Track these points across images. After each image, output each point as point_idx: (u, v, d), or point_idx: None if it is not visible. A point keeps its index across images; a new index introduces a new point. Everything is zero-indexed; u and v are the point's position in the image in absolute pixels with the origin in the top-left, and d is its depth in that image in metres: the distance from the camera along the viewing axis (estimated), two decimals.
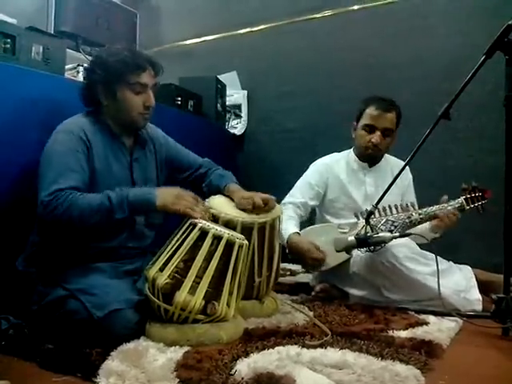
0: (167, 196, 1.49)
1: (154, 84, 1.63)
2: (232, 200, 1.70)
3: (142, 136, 1.72)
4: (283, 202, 2.18)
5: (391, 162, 2.24)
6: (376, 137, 2.08)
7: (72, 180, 1.46)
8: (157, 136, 1.81)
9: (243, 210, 1.64)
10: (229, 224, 1.55)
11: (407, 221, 1.89)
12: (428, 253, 1.89)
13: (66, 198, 1.41)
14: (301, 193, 2.21)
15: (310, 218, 2.29)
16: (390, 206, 1.90)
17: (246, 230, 1.57)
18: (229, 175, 1.84)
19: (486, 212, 1.99)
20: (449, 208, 1.94)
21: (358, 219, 1.91)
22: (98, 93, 1.60)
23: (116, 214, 1.44)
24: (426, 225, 1.99)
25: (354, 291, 1.96)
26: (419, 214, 1.92)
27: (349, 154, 2.27)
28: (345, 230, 1.98)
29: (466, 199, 1.97)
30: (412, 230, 1.90)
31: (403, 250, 1.85)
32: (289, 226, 2.03)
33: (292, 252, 2.01)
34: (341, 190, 2.20)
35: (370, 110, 2.10)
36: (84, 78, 1.67)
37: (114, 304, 1.36)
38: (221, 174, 1.82)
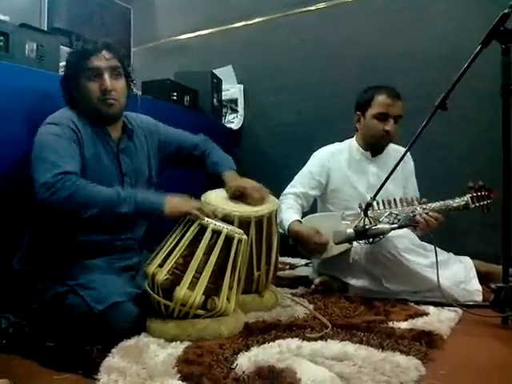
0: (175, 202, 1.48)
1: (111, 66, 1.60)
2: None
3: (129, 127, 1.71)
4: (284, 192, 2.19)
5: (395, 151, 2.21)
6: (390, 125, 2.08)
7: (71, 165, 1.45)
8: (147, 125, 1.80)
9: (236, 198, 1.66)
10: (226, 219, 1.54)
11: (411, 215, 1.88)
12: (427, 244, 1.89)
13: (72, 183, 1.39)
14: (301, 183, 2.20)
15: (311, 210, 2.28)
16: (394, 200, 1.90)
17: (244, 224, 1.57)
18: (224, 161, 1.83)
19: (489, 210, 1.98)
20: (454, 205, 1.94)
21: (361, 210, 1.91)
22: (71, 90, 1.62)
23: (121, 208, 1.42)
24: None
25: (353, 281, 1.96)
26: (423, 209, 1.91)
27: (351, 144, 2.25)
28: (347, 222, 1.98)
29: (471, 197, 1.96)
30: None
31: (403, 241, 1.86)
32: (289, 215, 2.03)
33: (294, 239, 2.01)
34: (344, 180, 2.20)
35: (382, 99, 2.09)
36: None
37: (114, 297, 1.36)
38: (214, 162, 1.81)
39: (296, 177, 2.25)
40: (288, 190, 2.20)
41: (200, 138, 1.89)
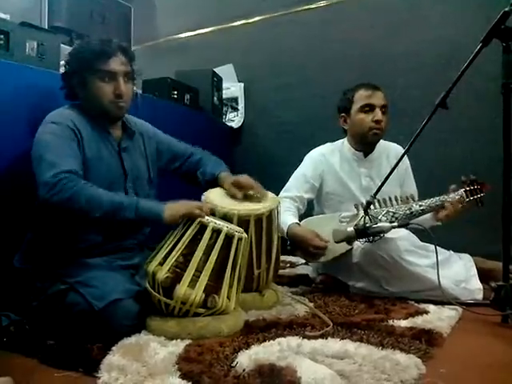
0: (174, 208, 1.47)
1: (126, 71, 1.60)
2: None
3: (130, 127, 1.71)
4: (279, 196, 2.16)
5: (386, 148, 2.21)
6: (378, 114, 2.07)
7: (71, 164, 1.43)
8: (146, 130, 1.80)
9: (234, 196, 1.66)
10: (225, 217, 1.55)
11: (408, 212, 1.88)
12: (428, 244, 1.89)
13: (74, 184, 1.38)
14: (295, 186, 2.19)
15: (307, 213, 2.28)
16: (390, 198, 1.89)
17: (243, 222, 1.57)
18: (220, 163, 1.85)
19: (484, 203, 2.01)
20: (449, 200, 1.94)
21: (358, 211, 1.90)
22: (74, 85, 1.60)
23: (124, 213, 1.42)
24: (428, 214, 1.99)
25: (353, 283, 1.96)
26: (420, 206, 1.91)
27: (342, 145, 2.24)
28: (345, 221, 1.97)
29: (465, 191, 1.98)
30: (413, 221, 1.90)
31: (403, 243, 1.85)
32: (287, 218, 2.01)
33: (292, 242, 2.00)
34: (337, 181, 2.19)
35: (362, 92, 2.11)
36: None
37: (114, 294, 1.36)
38: (212, 165, 1.82)
39: (290, 180, 2.23)
40: (283, 193, 2.16)
41: (195, 147, 1.90)
